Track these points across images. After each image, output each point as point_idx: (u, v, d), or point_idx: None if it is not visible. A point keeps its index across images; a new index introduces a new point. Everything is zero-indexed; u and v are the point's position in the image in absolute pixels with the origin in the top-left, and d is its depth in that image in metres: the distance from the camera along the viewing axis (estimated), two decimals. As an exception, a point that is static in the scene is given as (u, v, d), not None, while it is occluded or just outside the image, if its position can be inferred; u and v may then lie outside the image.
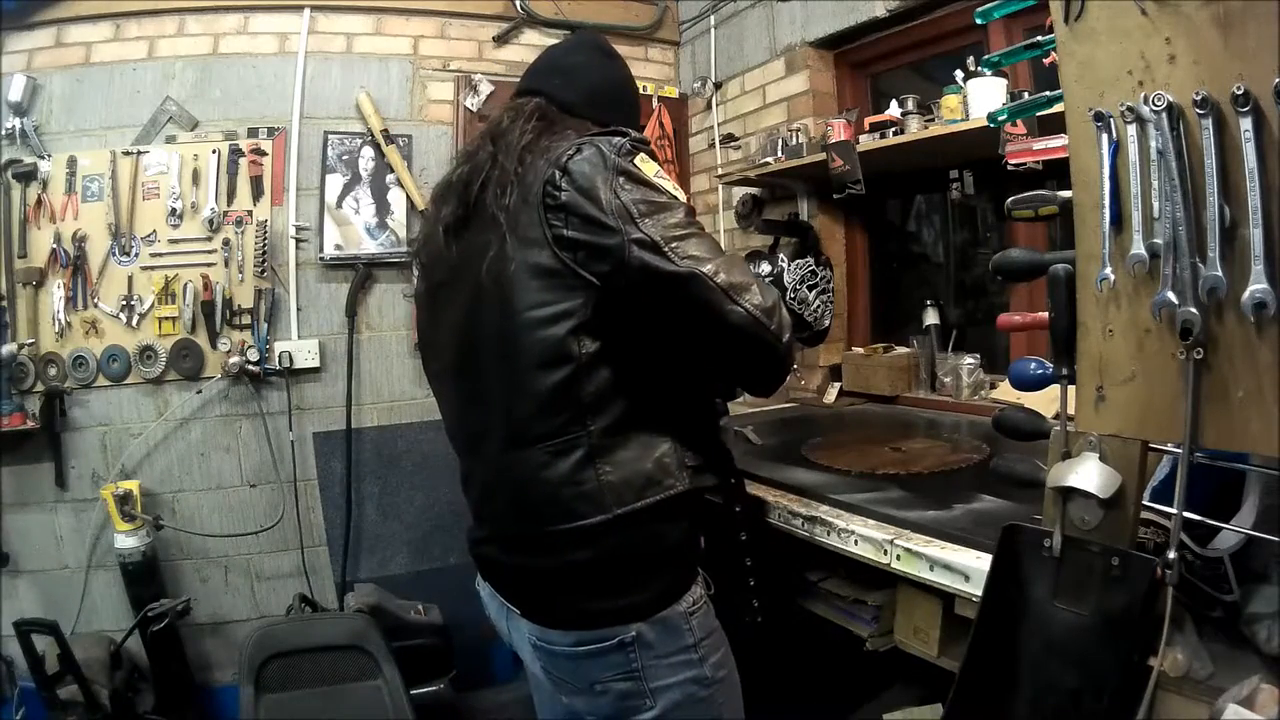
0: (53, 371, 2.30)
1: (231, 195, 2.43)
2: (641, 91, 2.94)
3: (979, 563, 1.00)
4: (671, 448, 1.05)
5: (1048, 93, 0.89)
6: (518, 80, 1.26)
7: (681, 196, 1.03)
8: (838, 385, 2.40)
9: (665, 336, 1.04)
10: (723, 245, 2.86)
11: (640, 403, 1.03)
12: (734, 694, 1.15)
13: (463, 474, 1.17)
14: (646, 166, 1.02)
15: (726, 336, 1.01)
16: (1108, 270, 0.75)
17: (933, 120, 1.91)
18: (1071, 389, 0.83)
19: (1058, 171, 1.47)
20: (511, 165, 1.04)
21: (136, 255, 2.35)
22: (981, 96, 1.74)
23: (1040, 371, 0.89)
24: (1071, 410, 0.82)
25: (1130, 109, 0.70)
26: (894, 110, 2.01)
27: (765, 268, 2.39)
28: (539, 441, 1.02)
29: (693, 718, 1.08)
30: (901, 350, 2.29)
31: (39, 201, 2.29)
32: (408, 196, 2.60)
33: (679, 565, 1.08)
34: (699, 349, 1.06)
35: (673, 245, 0.98)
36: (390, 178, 2.59)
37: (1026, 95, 1.32)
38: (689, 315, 1.01)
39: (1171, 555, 0.72)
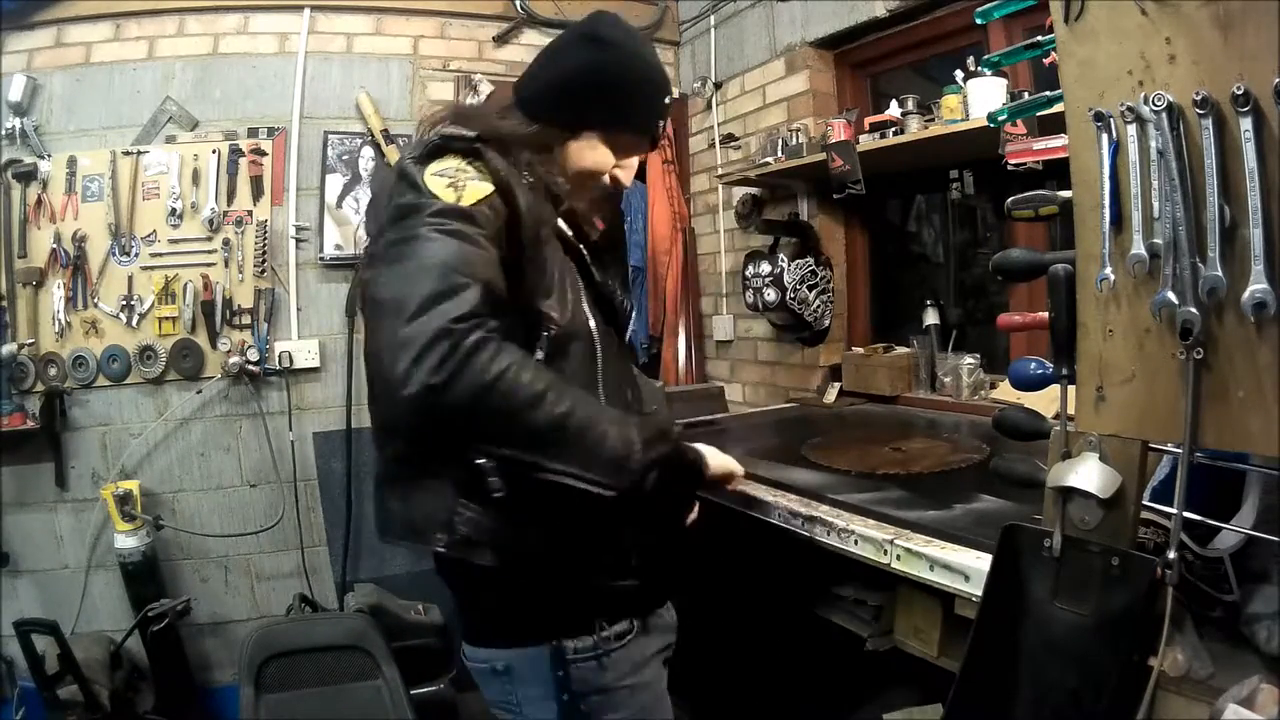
0: (53, 371, 2.30)
1: (231, 195, 2.43)
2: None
3: (979, 563, 1.00)
4: (452, 498, 0.91)
5: (1048, 93, 0.89)
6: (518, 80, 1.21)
7: (455, 195, 0.88)
8: (838, 385, 2.40)
9: None
10: (722, 245, 2.86)
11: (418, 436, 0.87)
12: None
13: None
14: (436, 164, 0.91)
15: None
16: (1108, 270, 0.75)
17: (933, 120, 1.91)
18: (1071, 389, 0.83)
19: (1058, 171, 1.47)
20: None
21: (136, 255, 2.35)
22: (981, 96, 1.74)
23: (1040, 371, 0.89)
24: (1071, 410, 0.82)
25: (1130, 109, 0.70)
26: (894, 110, 2.01)
27: (765, 267, 2.39)
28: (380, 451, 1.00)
29: None
30: (901, 350, 2.29)
31: (39, 201, 2.29)
32: (408, 196, 2.60)
33: (549, 606, 0.98)
34: None
35: (387, 253, 0.86)
36: (390, 178, 2.59)
37: (1026, 95, 1.32)
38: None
39: (1171, 555, 0.72)
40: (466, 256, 0.84)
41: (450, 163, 0.92)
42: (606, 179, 1.09)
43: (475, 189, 0.90)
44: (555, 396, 0.84)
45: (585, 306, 1.03)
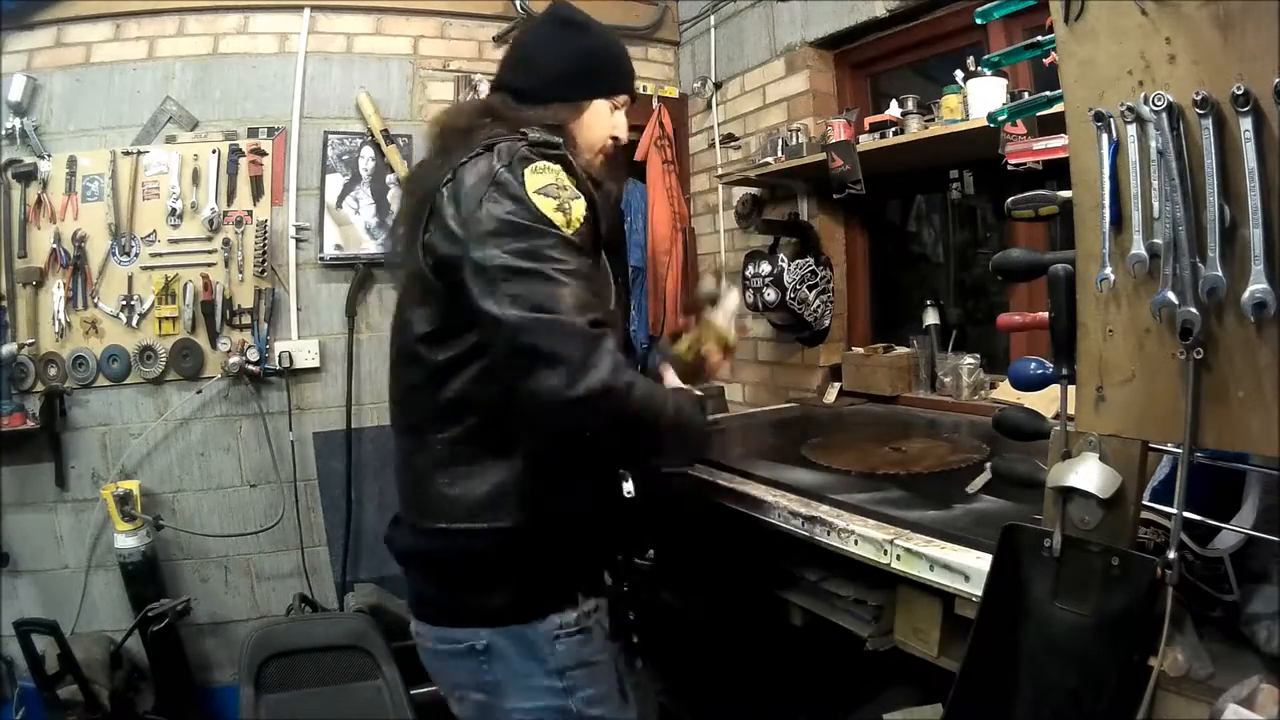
0: (53, 371, 2.30)
1: (231, 195, 2.43)
2: (641, 91, 2.97)
3: (979, 563, 1.00)
4: (512, 477, 0.99)
5: (1048, 93, 0.89)
6: (503, 76, 1.26)
7: (564, 220, 0.93)
8: (838, 385, 2.40)
9: None
10: (722, 245, 2.86)
11: (491, 421, 0.98)
12: None
13: None
14: (537, 177, 0.93)
15: (519, 402, 0.93)
16: (1108, 270, 0.75)
17: (933, 120, 1.91)
18: (1071, 389, 0.83)
19: (1058, 171, 1.47)
20: (438, 159, 1.05)
21: (136, 255, 2.35)
22: (981, 96, 1.74)
23: (1040, 371, 0.89)
24: (1071, 410, 0.82)
25: (1130, 109, 0.70)
26: (894, 110, 2.01)
27: (765, 267, 2.39)
28: (405, 434, 1.08)
29: None
30: (901, 350, 2.29)
31: (39, 201, 2.29)
32: (408, 196, 2.60)
33: (538, 582, 1.01)
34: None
35: (504, 279, 0.89)
36: (390, 178, 2.59)
37: (1026, 95, 1.32)
38: (494, 355, 0.95)
39: (1171, 555, 0.72)
40: (589, 296, 0.92)
41: (549, 176, 0.94)
42: (611, 141, 1.20)
43: (578, 210, 0.95)
44: (664, 396, 0.99)
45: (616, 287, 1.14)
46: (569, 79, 1.14)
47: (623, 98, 1.20)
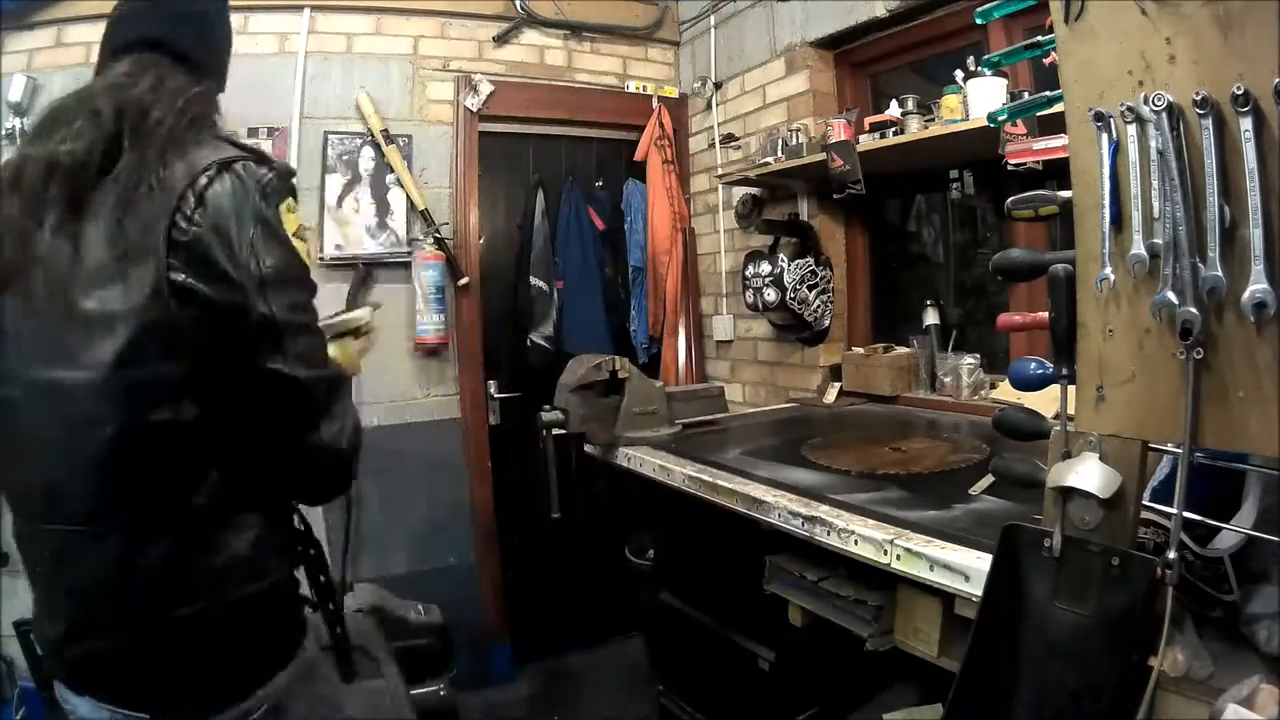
0: (53, 371, 2.29)
1: (231, 195, 2.42)
2: (641, 91, 2.98)
3: (979, 563, 1.00)
4: (266, 528, 0.93)
5: (1048, 93, 0.89)
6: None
7: (308, 265, 0.89)
8: (838, 385, 2.40)
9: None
10: (722, 245, 2.87)
11: (228, 486, 0.88)
12: None
13: None
14: (291, 218, 0.87)
15: (297, 454, 0.90)
16: (1108, 270, 0.75)
17: (933, 120, 1.91)
18: (1071, 389, 0.83)
19: (1058, 171, 1.47)
20: (155, 164, 0.81)
21: (136, 255, 2.35)
22: (981, 96, 1.74)
23: (1040, 371, 0.89)
24: (1071, 410, 0.82)
25: (1130, 109, 0.70)
26: (894, 110, 2.01)
27: (765, 268, 2.39)
28: (101, 518, 0.87)
29: None
30: (901, 350, 2.29)
31: (39, 201, 2.29)
32: (407, 197, 2.60)
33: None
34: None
35: (289, 335, 0.83)
36: (390, 178, 2.59)
37: (1026, 95, 1.32)
38: (270, 410, 0.86)
39: (1171, 555, 0.72)
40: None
41: (294, 217, 0.87)
42: None
43: (304, 248, 0.90)
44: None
45: None
46: (218, 53, 1.02)
47: None
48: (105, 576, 0.83)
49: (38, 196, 0.82)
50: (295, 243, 0.86)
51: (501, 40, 2.75)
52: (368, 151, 2.58)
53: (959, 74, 1.85)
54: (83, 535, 0.83)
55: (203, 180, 0.80)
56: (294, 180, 0.90)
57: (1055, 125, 1.33)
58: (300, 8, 2.51)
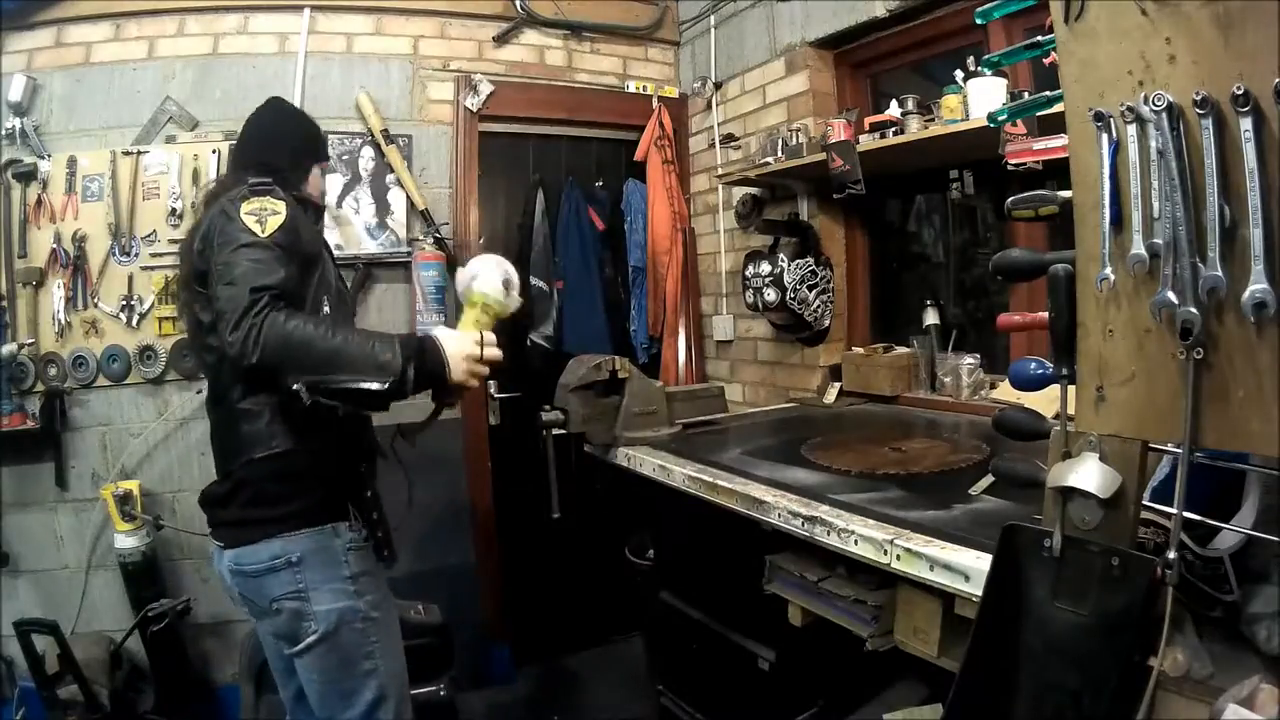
0: (53, 371, 2.30)
1: (231, 195, 2.43)
2: (641, 91, 2.97)
3: (979, 563, 1.00)
4: (278, 415, 1.32)
5: (1048, 93, 0.89)
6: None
7: (260, 228, 1.28)
8: (838, 385, 2.40)
9: None
10: (722, 245, 2.87)
11: (253, 378, 1.28)
12: (388, 636, 1.44)
13: None
14: (246, 205, 1.30)
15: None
16: (1108, 270, 0.75)
17: (933, 120, 1.91)
18: (1071, 389, 0.83)
19: (1058, 171, 1.47)
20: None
21: (136, 255, 2.35)
22: (981, 96, 1.74)
23: (1040, 371, 0.89)
24: (1071, 410, 0.82)
25: (1130, 109, 0.70)
26: (894, 110, 2.01)
27: (765, 267, 2.39)
28: (214, 405, 1.40)
29: (349, 643, 1.36)
30: (901, 350, 2.29)
31: (39, 201, 2.29)
32: (407, 196, 2.60)
33: (320, 496, 1.35)
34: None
35: (221, 272, 1.25)
36: (390, 178, 2.59)
37: (1026, 95, 1.32)
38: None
39: (1171, 555, 0.72)
40: (267, 275, 1.23)
41: (255, 204, 1.31)
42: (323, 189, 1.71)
43: (273, 222, 1.30)
44: (330, 330, 1.23)
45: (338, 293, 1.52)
46: (295, 151, 1.59)
47: (327, 165, 1.74)
48: (215, 443, 1.43)
49: None
50: (245, 218, 1.28)
51: (501, 40, 2.75)
52: (368, 151, 2.58)
53: (959, 74, 1.85)
54: (211, 417, 1.45)
55: (212, 212, 1.38)
56: (266, 184, 1.36)
57: (1055, 125, 1.33)
58: (300, 8, 2.51)
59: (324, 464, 1.37)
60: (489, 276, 1.41)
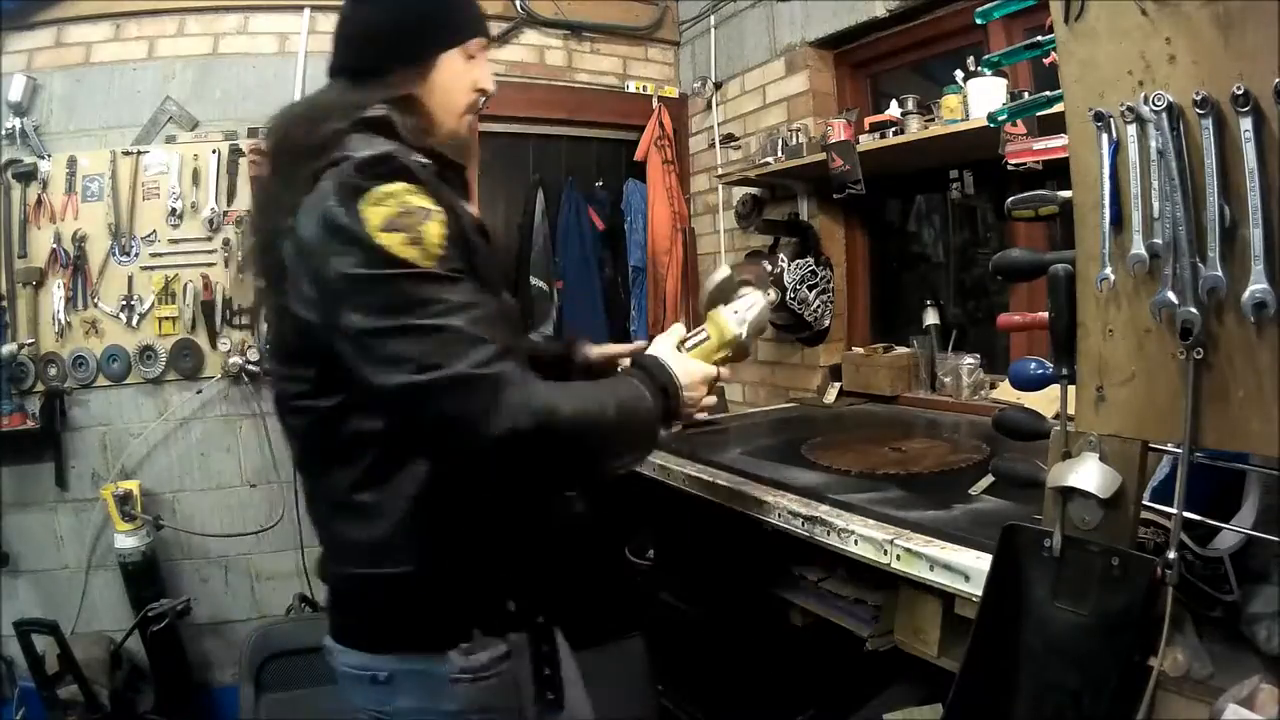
0: (53, 371, 2.30)
1: (232, 195, 2.43)
2: (641, 91, 2.97)
3: (979, 563, 1.00)
4: (410, 518, 0.90)
5: (1048, 93, 0.89)
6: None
7: (420, 252, 0.80)
8: (838, 385, 2.40)
9: None
10: (722, 245, 2.87)
11: (387, 460, 0.90)
12: None
13: None
14: (377, 211, 0.80)
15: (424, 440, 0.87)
16: (1108, 270, 0.75)
17: (933, 120, 1.91)
18: (1071, 389, 0.83)
19: (1058, 171, 1.47)
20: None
21: (136, 255, 2.35)
22: (981, 96, 1.74)
23: (1040, 371, 0.88)
24: (1071, 410, 0.82)
25: (1130, 109, 0.70)
26: (894, 110, 2.01)
27: (765, 268, 2.39)
28: (305, 472, 1.00)
29: None
30: (901, 350, 2.29)
31: (39, 201, 2.29)
32: (408, 196, 2.60)
33: (435, 618, 0.95)
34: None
35: (372, 344, 0.80)
36: (390, 178, 2.59)
37: (1026, 95, 1.32)
38: (391, 426, 0.88)
39: (1171, 555, 0.72)
40: (469, 330, 0.81)
41: (389, 206, 0.80)
42: (478, 96, 1.03)
43: (432, 232, 0.81)
44: (596, 393, 0.90)
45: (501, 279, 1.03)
46: (403, 38, 0.97)
47: (476, 42, 1.01)
48: (311, 520, 1.01)
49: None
50: (385, 238, 0.79)
51: (501, 40, 2.75)
52: (368, 151, 2.58)
53: (959, 74, 1.85)
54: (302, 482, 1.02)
55: (299, 199, 0.84)
56: (386, 163, 0.84)
57: (1055, 125, 1.33)
58: (300, 8, 2.51)
59: (450, 585, 0.96)
60: (748, 311, 1.14)
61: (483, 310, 0.83)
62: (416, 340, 0.79)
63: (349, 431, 0.90)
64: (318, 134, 0.88)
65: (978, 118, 1.72)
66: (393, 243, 0.79)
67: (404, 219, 0.80)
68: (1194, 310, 0.68)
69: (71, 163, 2.31)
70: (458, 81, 1.00)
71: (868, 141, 1.99)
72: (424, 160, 0.91)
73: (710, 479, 1.54)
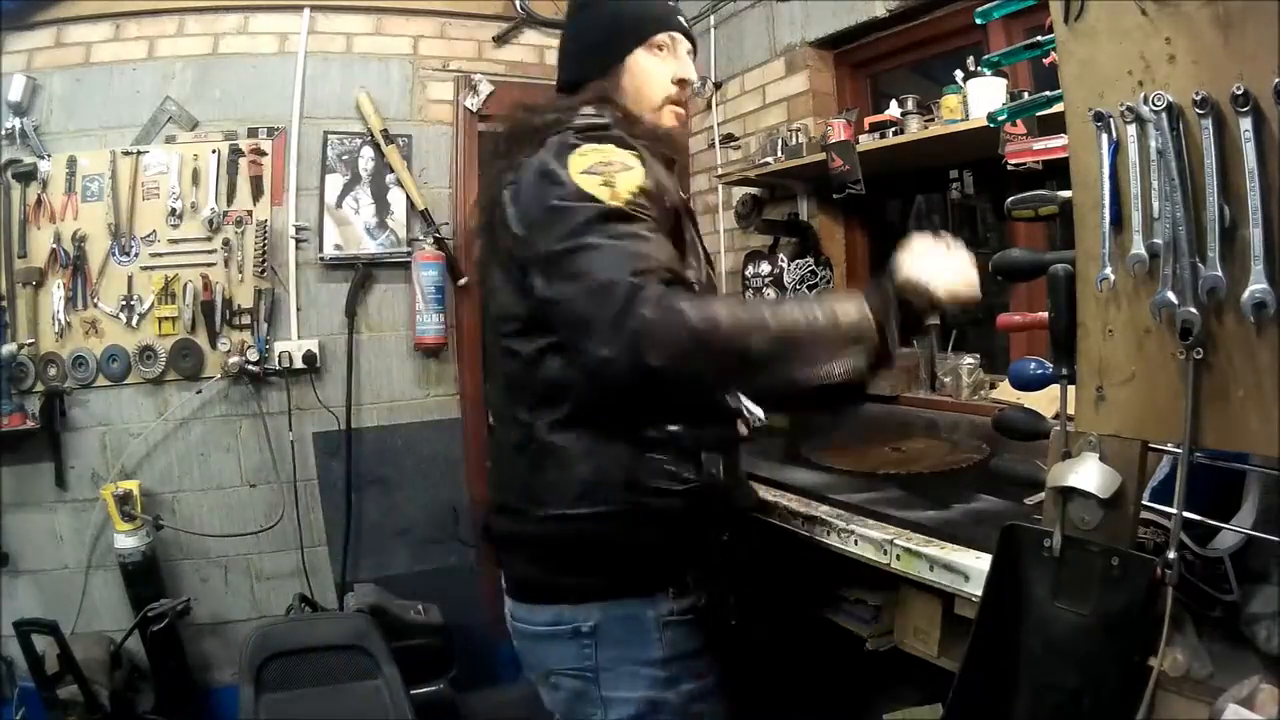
0: (53, 371, 2.30)
1: (231, 195, 2.43)
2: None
3: (979, 563, 1.00)
4: (617, 456, 0.97)
5: (1048, 93, 0.89)
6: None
7: (610, 192, 0.91)
8: (838, 385, 2.39)
9: None
10: (722, 245, 2.87)
11: (588, 404, 0.96)
12: None
13: None
14: (581, 159, 0.93)
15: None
16: (1108, 270, 0.75)
17: (933, 120, 1.91)
18: (1071, 389, 0.83)
19: (1058, 171, 1.47)
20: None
21: (136, 255, 2.35)
22: (981, 96, 1.74)
23: (1040, 371, 0.89)
24: (1071, 410, 0.82)
25: (1130, 109, 0.70)
26: (894, 110, 2.01)
27: (765, 268, 2.39)
28: (509, 423, 1.05)
29: None
30: (901, 350, 2.29)
31: (39, 201, 2.29)
32: (407, 196, 2.60)
33: (641, 562, 0.99)
34: None
35: (557, 263, 0.90)
36: (390, 178, 2.59)
37: (1026, 95, 1.32)
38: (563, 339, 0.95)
39: (1171, 555, 0.72)
40: (638, 254, 0.88)
41: (593, 157, 0.94)
42: (676, 88, 1.14)
43: (627, 181, 0.92)
44: (761, 306, 0.96)
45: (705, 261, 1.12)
46: (594, 49, 1.14)
47: (660, 37, 1.13)
48: (506, 471, 1.07)
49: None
50: (583, 179, 0.91)
51: (501, 40, 2.75)
52: (367, 151, 2.58)
53: (959, 74, 1.85)
54: (500, 435, 1.11)
55: (522, 159, 0.99)
56: (601, 129, 0.99)
57: (1055, 125, 1.33)
58: (300, 8, 2.51)
59: (655, 530, 0.98)
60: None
61: (659, 246, 0.91)
62: (583, 257, 0.87)
63: (552, 374, 0.97)
64: (543, 117, 1.04)
65: (977, 118, 1.72)
66: (588, 183, 0.91)
67: (603, 167, 0.93)
68: (1194, 310, 0.68)
69: (71, 163, 2.30)
70: (648, 78, 1.12)
71: (867, 141, 1.99)
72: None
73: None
